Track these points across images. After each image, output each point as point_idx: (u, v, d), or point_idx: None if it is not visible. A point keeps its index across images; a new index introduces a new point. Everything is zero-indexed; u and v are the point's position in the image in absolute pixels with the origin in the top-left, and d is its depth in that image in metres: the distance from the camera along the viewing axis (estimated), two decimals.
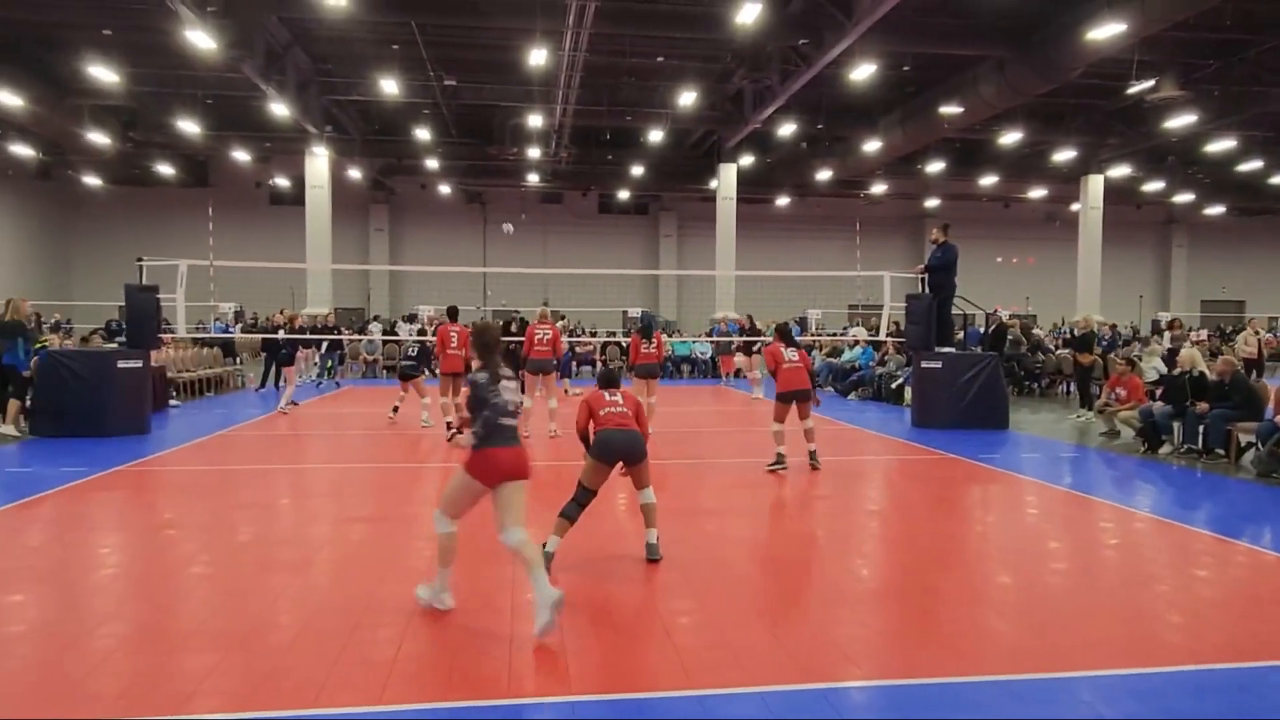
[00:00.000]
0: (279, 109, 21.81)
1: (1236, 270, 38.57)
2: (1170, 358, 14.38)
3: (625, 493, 7.38)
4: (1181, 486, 8.68)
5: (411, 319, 26.17)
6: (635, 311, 27.43)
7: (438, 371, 11.98)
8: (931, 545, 6.28)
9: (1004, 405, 12.63)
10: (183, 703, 3.52)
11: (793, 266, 29.29)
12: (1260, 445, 8.81)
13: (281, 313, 17.89)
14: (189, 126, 23.35)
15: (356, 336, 23.05)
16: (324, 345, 19.07)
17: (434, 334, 12.96)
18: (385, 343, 22.70)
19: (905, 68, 21.55)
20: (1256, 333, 17.49)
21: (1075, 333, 15.29)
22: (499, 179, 31.44)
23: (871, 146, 25.42)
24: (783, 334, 9.29)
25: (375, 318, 29.46)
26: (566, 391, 15.73)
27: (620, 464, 5.58)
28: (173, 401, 14.64)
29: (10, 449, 9.92)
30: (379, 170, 30.90)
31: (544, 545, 5.42)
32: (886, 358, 17.35)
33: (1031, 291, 34.82)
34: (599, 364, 22.75)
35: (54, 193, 31.50)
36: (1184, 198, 33.54)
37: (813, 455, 9.02)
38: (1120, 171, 29.39)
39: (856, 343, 19.91)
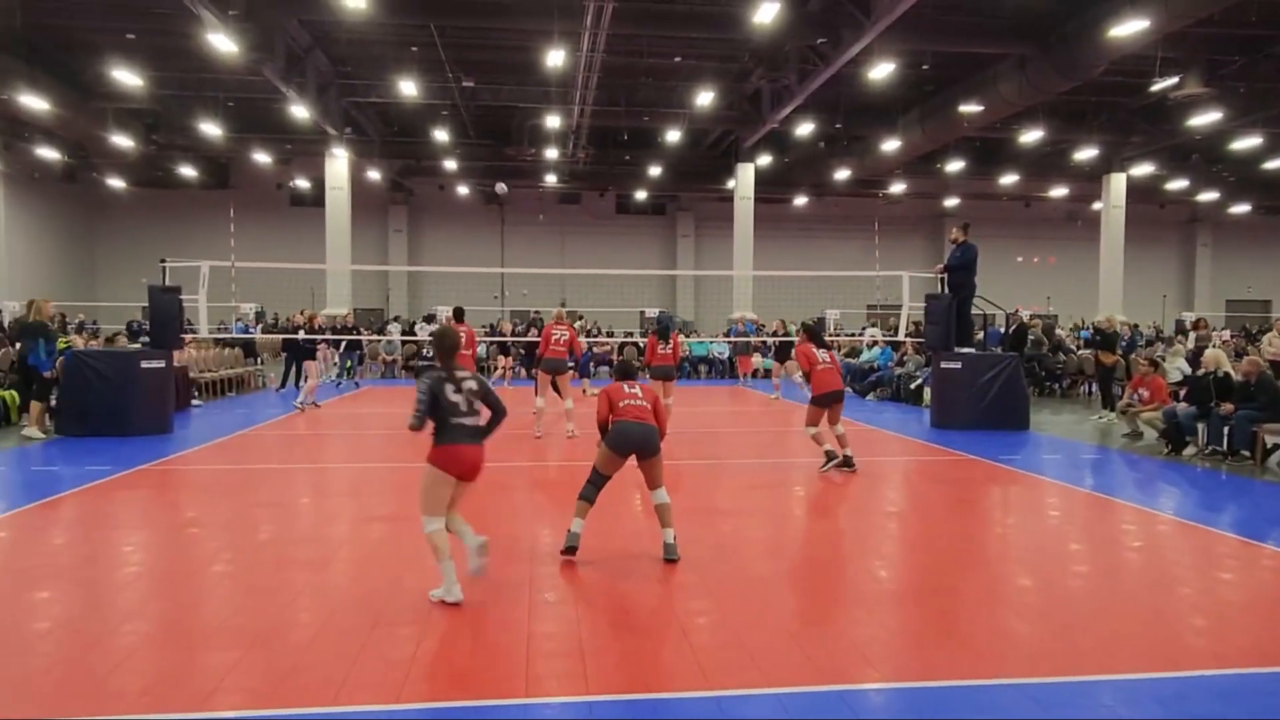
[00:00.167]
0: (299, 111, 21.99)
1: (1263, 269, 38.02)
2: (1195, 358, 14.20)
3: (643, 493, 7.39)
4: (1206, 489, 8.58)
5: (430, 319, 26.28)
6: (652, 312, 27.42)
7: None
8: (951, 547, 6.24)
9: (1024, 406, 12.53)
10: (204, 700, 3.56)
11: (811, 266, 29.22)
12: None
13: (302, 313, 18.06)
14: (211, 129, 23.60)
15: (376, 337, 23.20)
16: (342, 345, 19.21)
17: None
18: (404, 343, 22.83)
19: (924, 66, 21.40)
20: None
21: (1099, 332, 15.12)
22: (517, 179, 31.52)
23: (890, 146, 25.28)
24: (812, 334, 9.14)
25: (395, 318, 29.63)
26: (585, 392, 15.75)
27: (634, 456, 5.65)
28: (195, 401, 14.79)
29: (36, 448, 10.06)
30: (398, 171, 31.08)
31: (569, 529, 5.64)
32: (905, 358, 17.26)
33: (1053, 291, 34.50)
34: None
35: (79, 195, 31.93)
36: (1208, 196, 33.10)
37: (849, 459, 8.86)
38: (1143, 170, 29.05)
39: (875, 343, 19.80)
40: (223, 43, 15.88)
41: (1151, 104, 23.57)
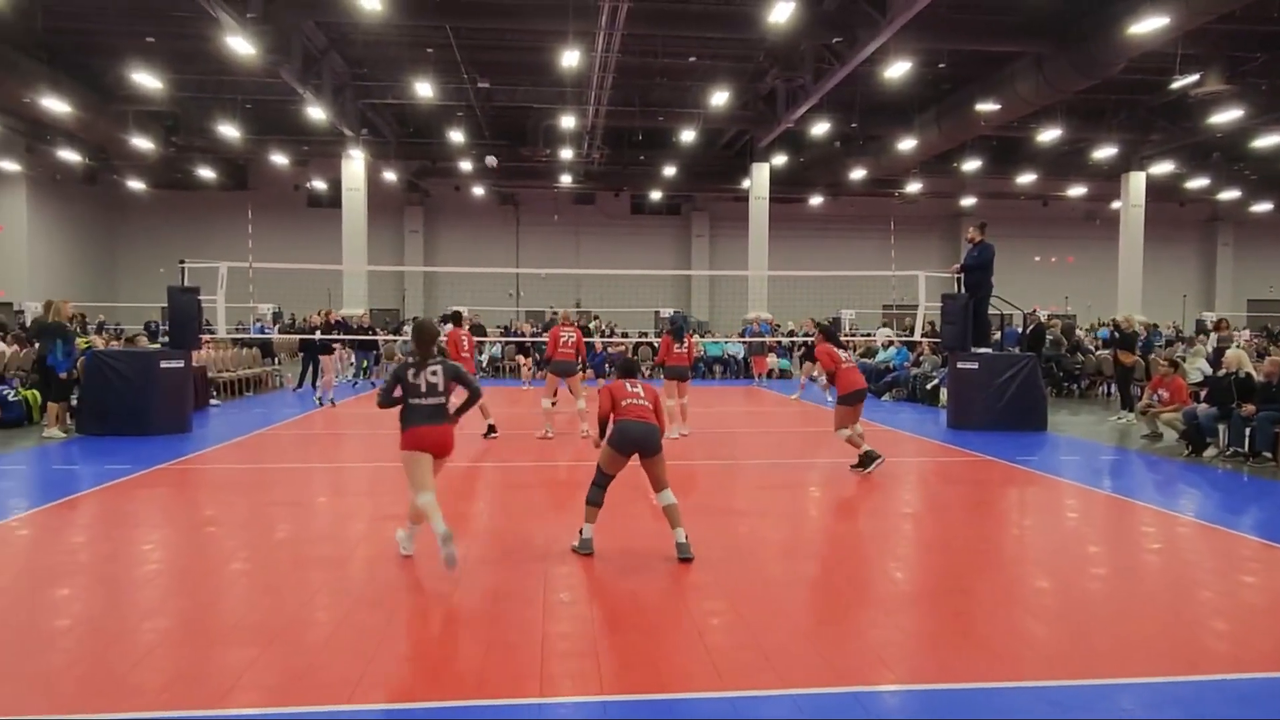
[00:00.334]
0: (316, 113, 22.15)
1: None
2: (1216, 359, 14.05)
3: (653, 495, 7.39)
4: (1227, 490, 8.48)
5: (446, 319, 26.39)
6: (667, 312, 27.40)
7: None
8: (967, 548, 6.20)
9: (1042, 406, 12.43)
10: (222, 697, 3.59)
11: (826, 266, 29.13)
12: None
13: (319, 313, 18.26)
14: (229, 131, 23.83)
15: (392, 337, 23.31)
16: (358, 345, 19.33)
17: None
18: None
19: (941, 65, 21.29)
20: None
21: (1118, 331, 14.98)
22: (532, 180, 31.62)
23: (906, 145, 25.16)
24: (829, 334, 9.10)
25: (414, 319, 29.76)
26: None
27: (636, 455, 5.70)
28: (213, 401, 14.92)
29: (56, 447, 10.17)
30: (414, 172, 31.24)
31: (580, 532, 5.72)
32: (921, 358, 17.17)
33: (1071, 291, 34.24)
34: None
35: (99, 196, 32.28)
36: (1229, 195, 32.74)
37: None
38: (1163, 168, 28.77)
39: (891, 343, 19.72)
40: (241, 45, 16.02)
41: (1171, 101, 23.34)
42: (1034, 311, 17.14)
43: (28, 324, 21.18)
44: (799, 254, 31.94)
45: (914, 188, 31.97)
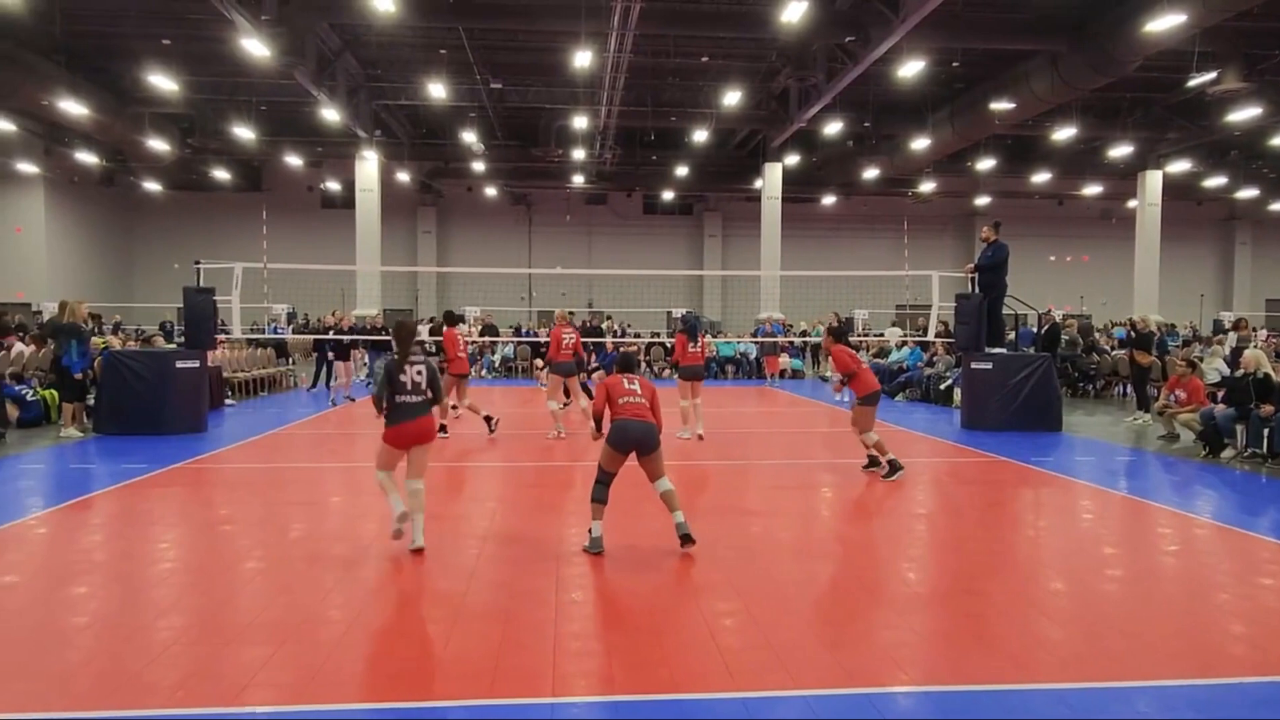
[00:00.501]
0: (330, 114, 22.27)
1: None
2: (1235, 358, 13.91)
3: None
4: (1245, 492, 8.40)
5: (460, 320, 26.48)
6: (679, 312, 27.40)
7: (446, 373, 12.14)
8: (981, 549, 6.16)
9: (1057, 407, 12.35)
10: (237, 694, 3.61)
11: (839, 266, 29.06)
12: None
13: (333, 314, 18.37)
14: (244, 132, 23.98)
15: (437, 338, 23.34)
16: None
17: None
18: (434, 343, 22.97)
19: (954, 63, 21.18)
20: None
21: (1134, 331, 14.86)
22: (544, 181, 31.68)
23: (920, 144, 25.05)
24: (840, 335, 9.02)
25: (431, 319, 29.83)
26: None
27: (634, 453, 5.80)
28: (228, 401, 15.02)
29: (74, 447, 10.27)
30: (427, 173, 31.35)
31: (589, 531, 5.76)
32: (935, 358, 17.09)
33: (1086, 291, 34.00)
34: (642, 365, 22.78)
35: (116, 198, 32.57)
36: (1248, 193, 32.42)
37: (876, 460, 8.76)
38: (1179, 167, 28.52)
39: (905, 343, 19.64)
40: (256, 47, 16.12)
41: (1188, 99, 23.13)
42: (1049, 311, 17.03)
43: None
44: (811, 254, 31.86)
45: (928, 187, 31.81)
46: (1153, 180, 28.08)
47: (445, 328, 11.87)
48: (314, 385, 18.09)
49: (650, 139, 28.46)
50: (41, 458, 9.57)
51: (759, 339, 22.98)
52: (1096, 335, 20.88)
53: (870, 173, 28.70)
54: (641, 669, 3.93)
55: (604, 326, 23.68)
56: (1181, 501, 7.82)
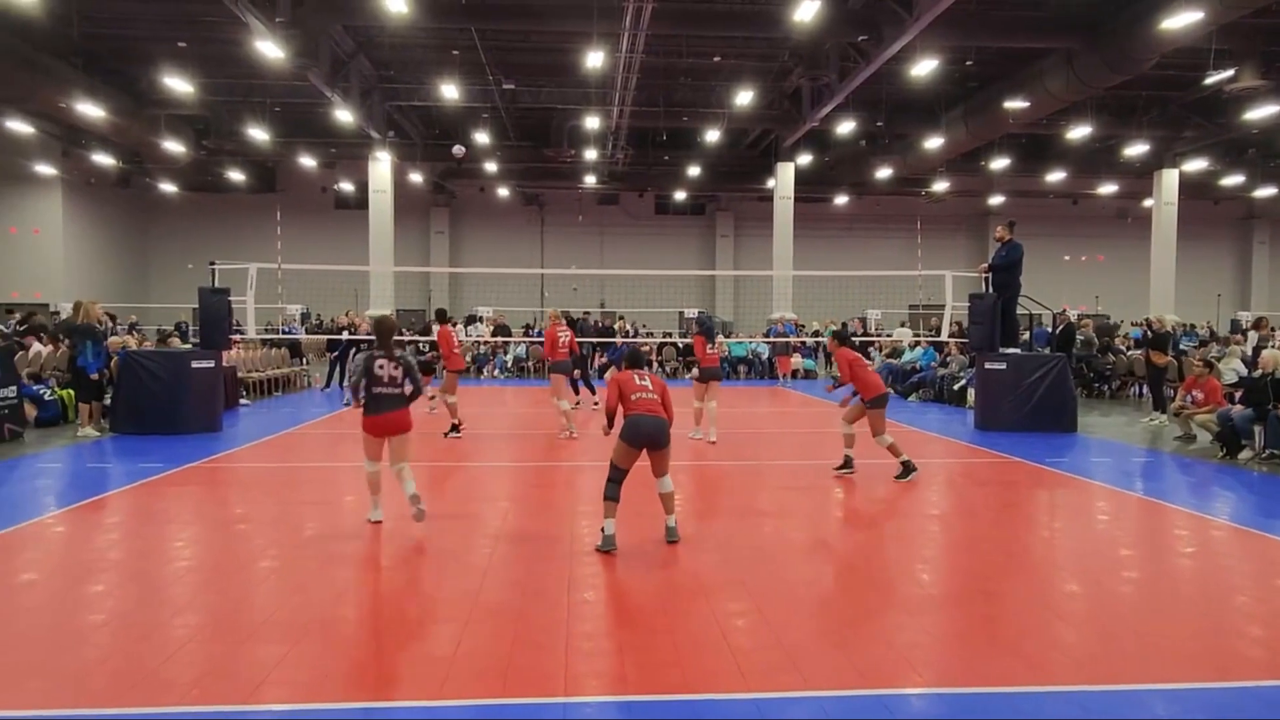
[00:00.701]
0: (343, 115, 22.37)
1: None
2: (1255, 358, 13.79)
3: (680, 496, 7.39)
4: (1263, 494, 8.31)
5: (472, 320, 26.57)
6: (691, 312, 27.37)
7: (443, 371, 12.24)
8: (995, 550, 6.13)
9: (1072, 407, 12.27)
10: (252, 692, 3.64)
11: (852, 266, 28.92)
12: None
13: (347, 314, 18.47)
14: (258, 134, 24.13)
15: (418, 337, 23.48)
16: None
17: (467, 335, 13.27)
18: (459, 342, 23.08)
19: (968, 62, 21.07)
20: None
21: (1151, 330, 14.75)
22: (556, 181, 31.72)
23: (933, 143, 24.93)
24: (844, 338, 9.00)
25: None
26: None
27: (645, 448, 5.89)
28: (243, 401, 15.12)
29: (91, 446, 10.36)
30: (439, 174, 31.44)
31: (602, 530, 5.79)
32: (949, 358, 17.01)
33: (1101, 290, 33.73)
34: (654, 365, 22.78)
35: (132, 199, 32.83)
36: (1265, 192, 32.09)
37: (850, 460, 8.70)
38: (1196, 165, 28.26)
39: (918, 343, 19.56)
40: (270, 49, 16.22)
41: (1205, 97, 22.92)
42: (1063, 311, 16.92)
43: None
44: (824, 254, 31.75)
45: (941, 186, 31.65)
46: (1169, 179, 27.83)
47: (438, 326, 12.08)
48: (327, 385, 18.18)
49: (662, 139, 28.44)
50: (59, 457, 9.66)
51: (771, 339, 22.93)
52: (1117, 337, 20.67)
53: (883, 172, 28.59)
54: (653, 669, 3.93)
55: (616, 326, 23.71)
56: (1198, 503, 7.76)
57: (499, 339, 23.47)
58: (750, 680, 3.78)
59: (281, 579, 5.31)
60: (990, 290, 12.53)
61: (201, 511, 7.33)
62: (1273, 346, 12.96)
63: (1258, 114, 21.13)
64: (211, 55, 20.93)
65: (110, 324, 18.54)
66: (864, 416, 8.53)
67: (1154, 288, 27.97)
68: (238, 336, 15.99)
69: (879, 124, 25.33)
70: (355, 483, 8.87)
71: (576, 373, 14.69)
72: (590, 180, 30.81)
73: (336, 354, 15.62)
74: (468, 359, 23.58)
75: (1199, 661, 4.09)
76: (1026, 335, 14.55)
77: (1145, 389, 15.47)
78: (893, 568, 5.80)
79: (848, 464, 8.72)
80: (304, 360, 20.38)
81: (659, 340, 24.90)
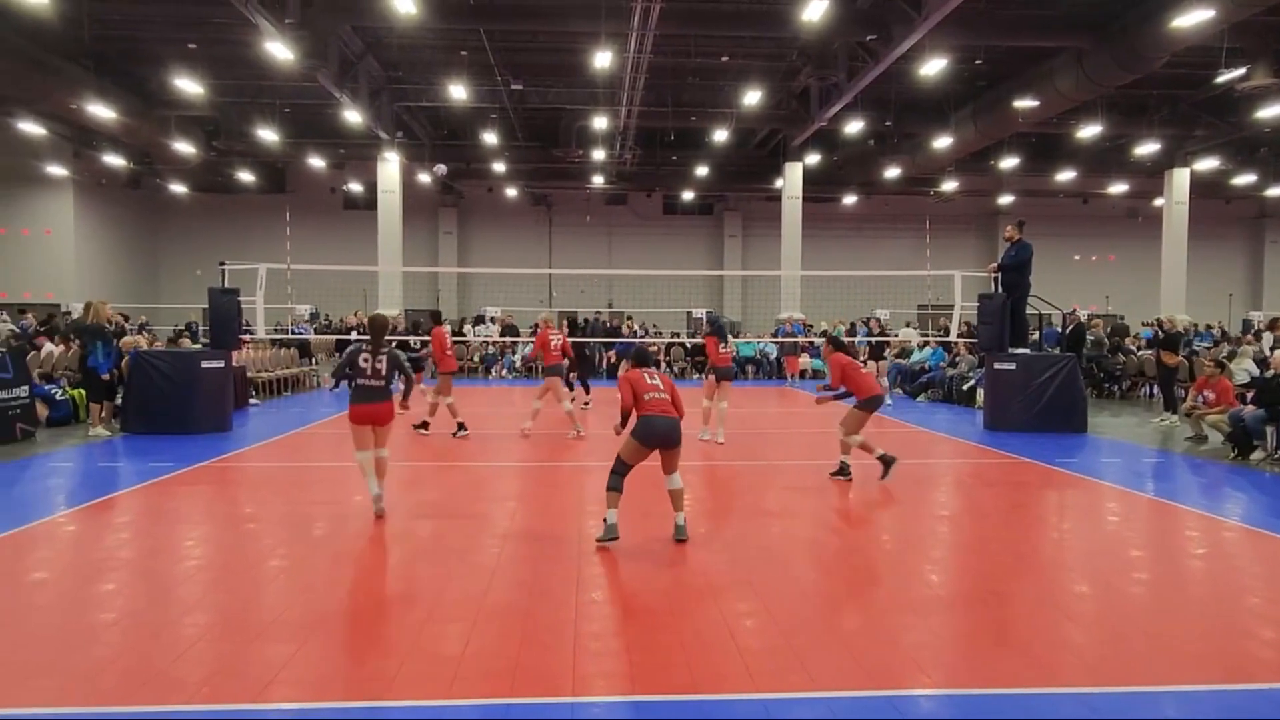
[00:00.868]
0: (352, 116, 22.43)
1: None
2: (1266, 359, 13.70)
3: (694, 492, 7.37)
4: (1275, 495, 8.25)
5: (480, 320, 26.61)
6: (699, 312, 27.34)
7: (437, 372, 12.31)
8: (1004, 551, 6.11)
9: (1082, 408, 12.22)
10: (261, 691, 3.65)
11: (860, 266, 28.85)
12: None
13: (355, 314, 18.54)
14: (268, 135, 24.22)
15: (425, 337, 23.52)
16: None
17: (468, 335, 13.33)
18: (454, 343, 23.11)
19: (977, 61, 20.99)
20: None
21: (1162, 330, 14.66)
22: (564, 181, 31.74)
23: (942, 143, 24.84)
24: (839, 343, 8.97)
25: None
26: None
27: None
28: (252, 400, 15.18)
29: (102, 446, 10.42)
30: (447, 174, 31.48)
31: (604, 520, 5.87)
32: (958, 359, 16.95)
33: (1112, 290, 33.56)
34: (663, 365, 22.78)
35: (142, 200, 32.99)
36: (1278, 191, 31.87)
37: (846, 466, 8.61)
38: (1208, 164, 28.07)
39: (927, 343, 19.50)
40: (279, 50, 16.28)
41: (1216, 96, 22.76)
42: (1073, 311, 16.85)
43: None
44: (833, 253, 31.68)
45: (950, 186, 31.52)
46: (1180, 178, 27.67)
47: (433, 327, 12.16)
48: (336, 385, 18.21)
49: (670, 139, 28.43)
50: (70, 456, 9.72)
51: (779, 339, 22.89)
52: (1129, 337, 20.53)
53: (892, 172, 28.50)
54: (661, 669, 3.93)
55: (624, 327, 23.73)
56: (1210, 504, 7.71)
57: (507, 339, 23.49)
58: (758, 681, 3.77)
59: (290, 578, 5.32)
60: (999, 290, 12.49)
61: (211, 511, 7.36)
62: None
63: (1270, 112, 20.97)
64: (221, 56, 21.02)
65: (124, 324, 18.65)
66: (865, 422, 8.43)
67: (1165, 287, 27.81)
68: (247, 336, 16.03)
69: (888, 123, 25.25)
70: (363, 483, 8.90)
71: (571, 375, 14.77)
72: (598, 180, 30.81)
73: None
74: (475, 359, 23.65)
75: (1210, 663, 4.07)
76: (1036, 335, 14.50)
77: (1156, 389, 15.39)
78: (901, 568, 5.78)
79: (843, 470, 8.58)
80: (313, 360, 20.45)
81: (667, 340, 24.89)
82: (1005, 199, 33.79)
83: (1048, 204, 33.54)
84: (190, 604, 4.81)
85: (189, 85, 19.66)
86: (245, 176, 30.93)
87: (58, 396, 12.09)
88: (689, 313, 30.49)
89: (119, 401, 11.60)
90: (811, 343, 22.67)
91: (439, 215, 34.76)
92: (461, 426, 11.28)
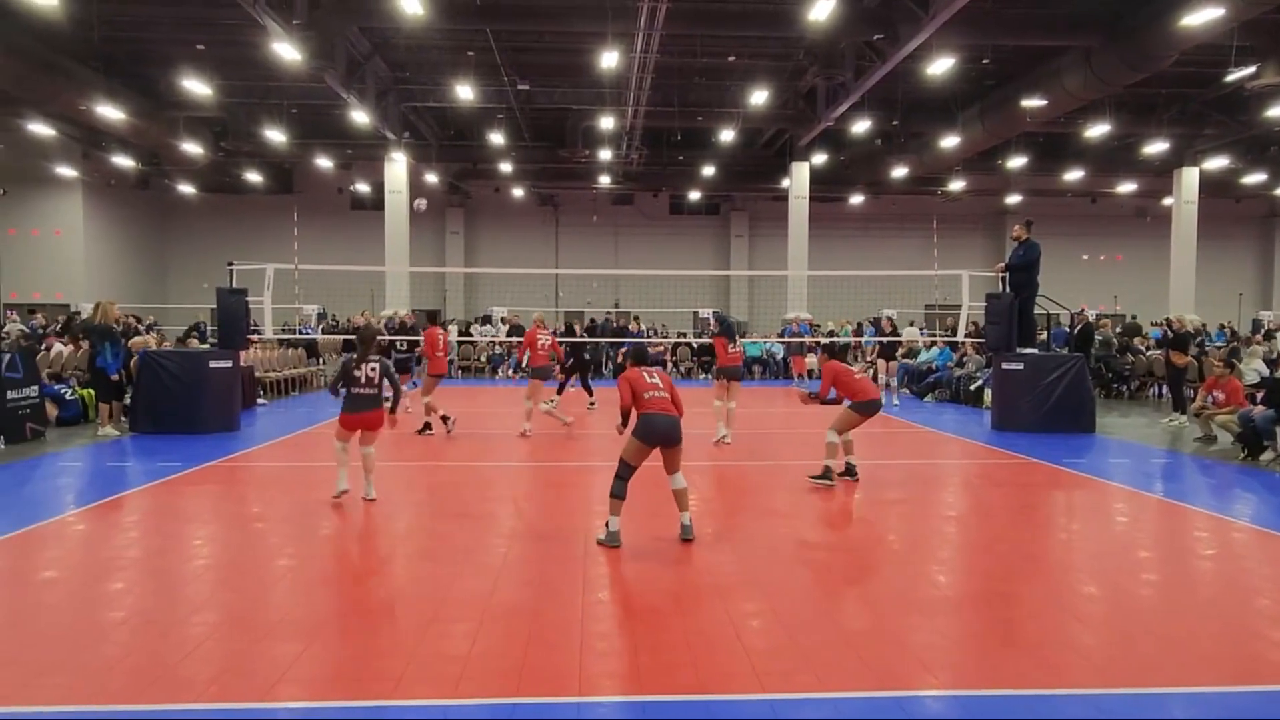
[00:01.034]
0: (359, 117, 22.49)
1: None
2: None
3: (698, 493, 7.37)
4: None
5: (486, 320, 26.64)
6: (705, 312, 27.31)
7: (424, 373, 12.35)
8: (1012, 552, 6.09)
9: (1090, 408, 12.17)
10: (268, 690, 3.66)
11: (867, 266, 28.79)
12: None
13: (362, 314, 18.58)
14: (275, 135, 24.30)
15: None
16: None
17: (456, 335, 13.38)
18: (460, 344, 23.17)
19: (985, 60, 20.91)
20: None
21: (1171, 330, 14.60)
22: (571, 181, 31.76)
23: (949, 142, 24.76)
24: (834, 351, 8.96)
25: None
26: None
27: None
28: (260, 400, 15.23)
29: (110, 445, 10.47)
30: (454, 174, 31.54)
31: (606, 525, 5.88)
32: (965, 359, 16.90)
33: (1120, 290, 33.42)
34: (668, 365, 22.77)
35: (151, 201, 33.13)
36: None
37: (852, 467, 8.63)
38: (1217, 163, 27.92)
39: (934, 343, 19.44)
40: (287, 51, 16.32)
41: (1226, 94, 22.65)
42: (1081, 311, 16.78)
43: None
44: (839, 253, 31.63)
45: (957, 185, 31.43)
46: (1189, 177, 27.52)
47: (428, 327, 12.23)
48: (336, 396, 18.26)
49: (677, 139, 28.41)
50: (79, 455, 9.76)
51: (786, 339, 22.86)
52: (1139, 338, 20.42)
53: (899, 171, 28.43)
54: (668, 669, 3.93)
55: (630, 327, 23.72)
56: (1219, 505, 7.67)
57: (514, 339, 23.52)
58: (765, 681, 3.77)
59: (298, 577, 5.34)
60: (1007, 290, 12.45)
61: (219, 510, 7.39)
62: None
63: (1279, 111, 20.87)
64: (229, 58, 21.10)
65: (138, 325, 18.73)
66: (855, 424, 8.35)
67: (1174, 287, 27.68)
68: (255, 336, 16.10)
69: (894, 123, 25.19)
70: (362, 484, 8.92)
71: (575, 375, 14.79)
72: (605, 180, 30.82)
73: None
74: (482, 359, 23.69)
75: (1218, 665, 4.05)
76: (1044, 335, 14.45)
77: (1165, 389, 15.32)
78: (908, 569, 5.76)
79: (850, 470, 8.56)
80: (320, 360, 20.51)
81: (673, 340, 24.88)
82: (1013, 198, 33.68)
83: (1056, 203, 33.42)
84: (198, 603, 4.83)
85: (197, 86, 19.73)
86: (253, 177, 31.04)
87: (67, 396, 12.15)
88: (695, 313, 30.48)
89: (128, 401, 11.65)
90: (818, 343, 22.61)
91: (446, 215, 34.81)
92: (427, 426, 11.36)
